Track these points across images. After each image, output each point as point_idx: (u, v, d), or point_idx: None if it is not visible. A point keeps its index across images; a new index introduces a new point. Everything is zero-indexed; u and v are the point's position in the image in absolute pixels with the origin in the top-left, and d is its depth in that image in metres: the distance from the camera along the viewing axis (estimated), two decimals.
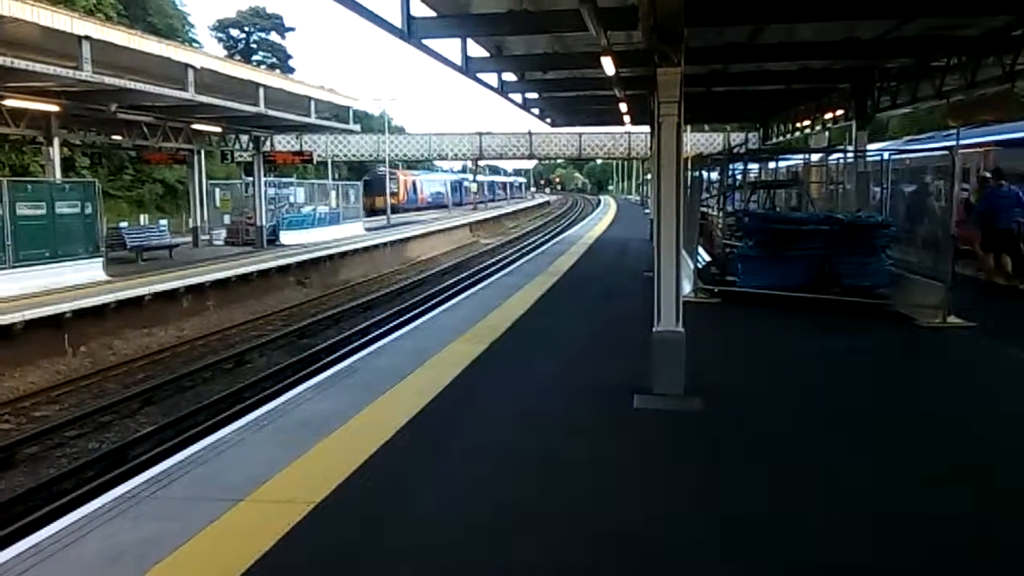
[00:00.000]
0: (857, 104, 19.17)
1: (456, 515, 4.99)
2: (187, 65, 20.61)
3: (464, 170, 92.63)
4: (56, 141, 21.89)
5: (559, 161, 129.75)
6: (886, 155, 16.64)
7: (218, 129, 29.10)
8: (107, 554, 4.40)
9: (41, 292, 17.26)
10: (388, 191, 54.26)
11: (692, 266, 13.98)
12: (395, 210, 55.04)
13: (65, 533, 4.72)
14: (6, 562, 4.39)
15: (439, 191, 74.83)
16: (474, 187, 78.76)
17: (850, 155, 18.38)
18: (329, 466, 5.69)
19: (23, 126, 21.26)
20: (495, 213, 62.52)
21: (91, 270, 19.96)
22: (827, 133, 27.40)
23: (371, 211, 49.75)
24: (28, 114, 20.67)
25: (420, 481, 5.54)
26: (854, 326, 11.36)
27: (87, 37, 16.84)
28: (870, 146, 19.79)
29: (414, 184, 69.27)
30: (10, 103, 19.51)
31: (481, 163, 72.19)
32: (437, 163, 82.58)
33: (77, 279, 18.92)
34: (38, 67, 16.44)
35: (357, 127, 35.51)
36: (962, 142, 13.29)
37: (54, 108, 20.23)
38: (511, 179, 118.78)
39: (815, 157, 20.91)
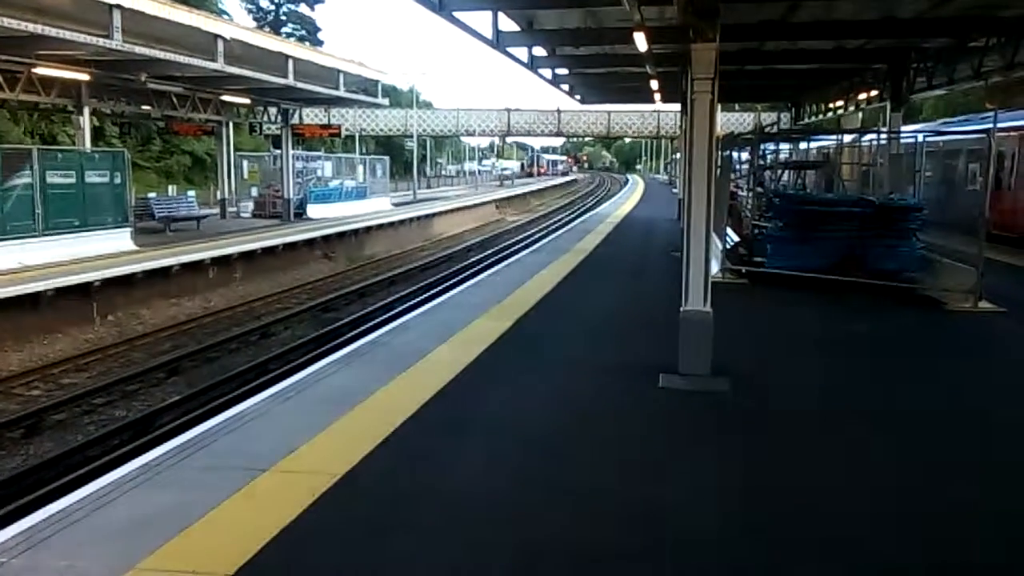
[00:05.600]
0: (893, 85, 18.81)
1: (479, 490, 4.99)
2: (217, 35, 20.56)
3: (549, 151, 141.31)
4: (86, 110, 21.99)
5: (587, 139, 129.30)
6: (920, 137, 16.34)
7: (247, 101, 29.13)
8: (134, 520, 4.44)
9: (70, 260, 17.41)
10: (537, 165, 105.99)
11: (720, 246, 13.84)
12: (541, 174, 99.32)
13: (92, 499, 4.77)
14: (35, 525, 4.45)
15: (551, 167, 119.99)
16: (500, 164, 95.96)
17: (883, 137, 18.07)
18: (353, 439, 5.70)
19: (54, 95, 21.37)
20: (522, 191, 62.28)
21: (119, 240, 20.12)
22: (860, 114, 26.97)
23: (529, 174, 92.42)
24: (59, 83, 20.77)
25: (443, 456, 5.54)
26: (882, 309, 11.21)
27: (117, 6, 16.78)
28: (904, 128, 19.44)
29: (544, 162, 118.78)
30: (41, 71, 19.56)
31: (508, 139, 79.92)
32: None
33: (105, 248, 19.08)
34: (68, 35, 16.43)
35: (385, 101, 35.37)
36: (999, 125, 13.03)
37: (84, 77, 20.29)
38: (560, 158, 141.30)
39: (848, 138, 20.59)
